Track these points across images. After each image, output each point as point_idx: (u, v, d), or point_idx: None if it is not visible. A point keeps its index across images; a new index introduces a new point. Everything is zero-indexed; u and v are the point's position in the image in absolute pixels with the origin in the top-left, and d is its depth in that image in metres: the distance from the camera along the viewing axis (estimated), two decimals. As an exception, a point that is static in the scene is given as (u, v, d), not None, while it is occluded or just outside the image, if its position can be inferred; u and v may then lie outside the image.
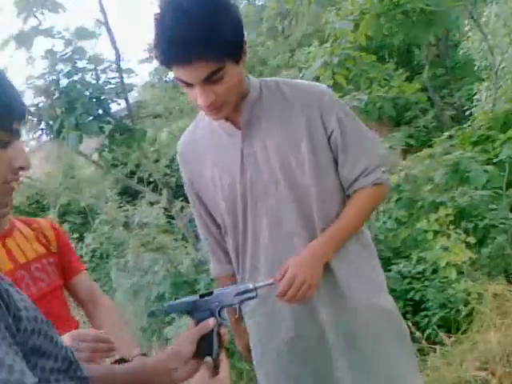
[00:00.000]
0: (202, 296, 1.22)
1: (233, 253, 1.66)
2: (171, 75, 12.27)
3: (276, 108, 1.51)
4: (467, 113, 9.54)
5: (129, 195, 7.36)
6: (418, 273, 5.63)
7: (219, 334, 1.18)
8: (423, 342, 3.11)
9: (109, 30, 4.70)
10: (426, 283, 5.30)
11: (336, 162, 1.55)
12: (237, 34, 1.34)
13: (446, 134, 4.59)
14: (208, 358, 1.13)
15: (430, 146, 5.31)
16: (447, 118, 7.13)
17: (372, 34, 6.13)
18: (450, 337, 3.15)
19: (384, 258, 5.36)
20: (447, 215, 3.46)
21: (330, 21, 6.67)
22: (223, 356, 1.16)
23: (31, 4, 4.49)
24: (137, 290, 4.79)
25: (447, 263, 3.31)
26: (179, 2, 1.27)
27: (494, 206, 3.93)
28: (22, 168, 0.96)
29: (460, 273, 3.53)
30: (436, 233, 3.55)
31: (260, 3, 18.89)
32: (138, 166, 6.46)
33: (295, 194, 1.51)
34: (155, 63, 10.91)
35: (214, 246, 1.76)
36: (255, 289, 1.24)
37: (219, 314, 1.20)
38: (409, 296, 5.41)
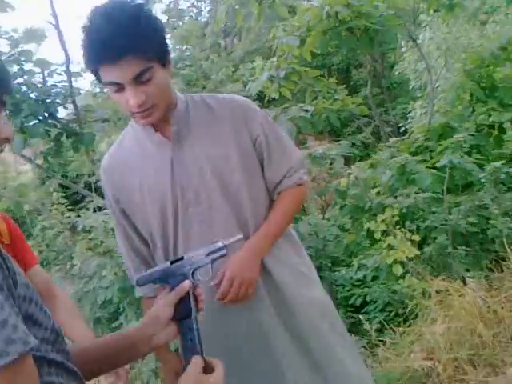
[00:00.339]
0: (172, 262, 1.24)
1: (163, 260, 1.65)
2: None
3: (203, 119, 1.60)
4: (402, 129, 10.06)
5: (74, 201, 7.16)
6: (358, 280, 5.84)
7: (195, 296, 1.22)
8: (373, 334, 3.23)
9: (59, 33, 4.63)
10: (366, 290, 5.49)
11: (261, 166, 1.65)
12: (162, 39, 1.46)
13: (391, 140, 4.82)
14: (198, 357, 1.14)
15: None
16: (385, 134, 7.47)
17: (319, 49, 6.38)
18: (398, 330, 3.29)
19: (326, 265, 5.53)
20: (393, 216, 3.64)
21: (277, 36, 6.83)
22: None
23: (-24, 1, 4.35)
24: (81, 296, 4.67)
25: (394, 260, 3.47)
26: (106, 11, 1.37)
27: (434, 209, 4.17)
28: (7, 139, 0.96)
29: (405, 272, 3.71)
30: (383, 232, 3.71)
31: (203, 20, 19.11)
32: (81, 175, 6.31)
33: (228, 196, 1.58)
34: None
35: (139, 264, 1.72)
36: (225, 246, 1.26)
37: (193, 276, 1.22)
38: (350, 302, 5.59)
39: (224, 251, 1.26)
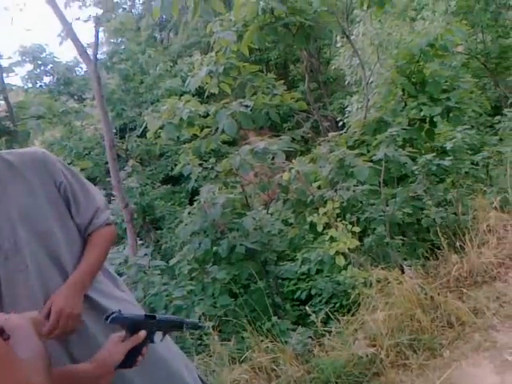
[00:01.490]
0: (145, 316, 1.36)
1: None
2: (46, 80, 11.68)
3: (5, 175, 1.66)
4: (340, 124, 10.31)
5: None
6: (303, 274, 5.96)
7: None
8: (319, 325, 3.32)
9: (-14, 25, 4.38)
10: (310, 283, 5.61)
11: (69, 210, 1.75)
12: None
13: (330, 135, 4.94)
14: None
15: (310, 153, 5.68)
16: (324, 128, 7.64)
17: (256, 44, 6.43)
18: (342, 319, 3.39)
19: (271, 259, 5.59)
20: (334, 208, 3.75)
21: (214, 31, 6.82)
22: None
23: None
24: None
25: (337, 252, 3.57)
26: None
27: (373, 201, 4.32)
28: None
29: (348, 263, 3.82)
30: (325, 225, 3.81)
31: (137, 12, 18.71)
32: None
33: (43, 242, 1.66)
34: (28, 67, 10.31)
35: None
36: (186, 327, 1.44)
37: (151, 336, 1.34)
38: (295, 296, 5.68)
39: (182, 330, 1.45)
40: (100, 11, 14.26)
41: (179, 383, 1.77)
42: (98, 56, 6.23)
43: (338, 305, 4.86)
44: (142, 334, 1.28)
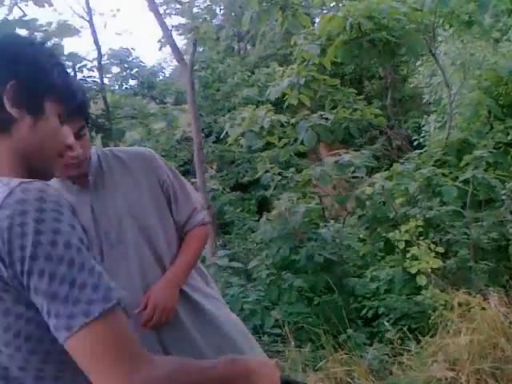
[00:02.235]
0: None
1: None
2: (132, 82, 12.21)
3: (116, 169, 1.81)
4: (415, 143, 10.11)
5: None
6: (370, 291, 5.84)
7: None
8: (396, 343, 3.29)
9: (93, 28, 4.68)
10: (376, 303, 5.49)
11: (169, 208, 1.86)
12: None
13: (414, 153, 4.89)
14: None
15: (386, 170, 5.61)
16: (403, 145, 7.54)
17: (340, 59, 6.48)
18: (422, 339, 3.34)
19: (349, 272, 5.53)
20: (417, 226, 3.71)
21: (298, 43, 6.91)
22: None
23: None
24: None
25: (418, 271, 3.53)
26: None
27: (455, 223, 4.23)
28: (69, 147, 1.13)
29: (426, 284, 3.76)
30: (406, 243, 3.78)
31: (217, 23, 19.19)
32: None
33: (145, 235, 1.77)
34: (115, 69, 10.82)
35: None
36: None
37: None
38: (361, 314, 5.57)
39: None
40: (184, 20, 14.74)
41: None
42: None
43: (406, 327, 4.75)
44: None
